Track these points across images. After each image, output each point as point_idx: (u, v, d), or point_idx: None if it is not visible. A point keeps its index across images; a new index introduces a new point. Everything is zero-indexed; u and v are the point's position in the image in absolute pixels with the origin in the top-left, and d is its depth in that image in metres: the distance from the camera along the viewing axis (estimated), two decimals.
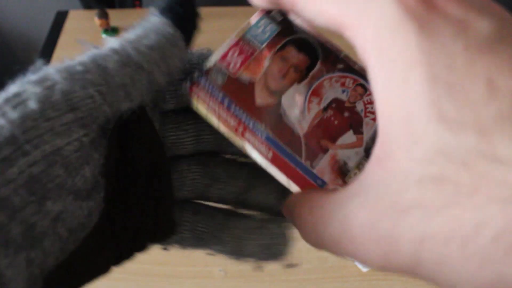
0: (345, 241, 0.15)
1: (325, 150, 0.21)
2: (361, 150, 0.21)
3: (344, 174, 0.21)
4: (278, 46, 0.22)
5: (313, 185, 0.20)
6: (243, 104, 0.21)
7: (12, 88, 0.15)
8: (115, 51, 0.17)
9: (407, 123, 0.13)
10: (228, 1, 1.19)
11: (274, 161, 0.21)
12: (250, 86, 0.21)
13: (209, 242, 0.23)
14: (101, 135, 0.17)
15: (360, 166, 0.21)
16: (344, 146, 0.21)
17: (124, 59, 0.17)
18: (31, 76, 0.15)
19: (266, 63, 0.21)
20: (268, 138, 0.21)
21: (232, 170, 0.24)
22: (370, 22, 0.14)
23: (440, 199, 0.12)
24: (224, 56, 0.22)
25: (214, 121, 0.21)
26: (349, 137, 0.21)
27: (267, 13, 0.22)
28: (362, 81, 0.22)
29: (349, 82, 0.22)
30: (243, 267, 0.70)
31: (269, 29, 0.22)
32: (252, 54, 0.21)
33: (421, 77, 0.13)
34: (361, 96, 0.22)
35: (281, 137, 0.21)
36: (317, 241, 0.17)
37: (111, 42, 0.17)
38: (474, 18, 0.13)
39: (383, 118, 0.14)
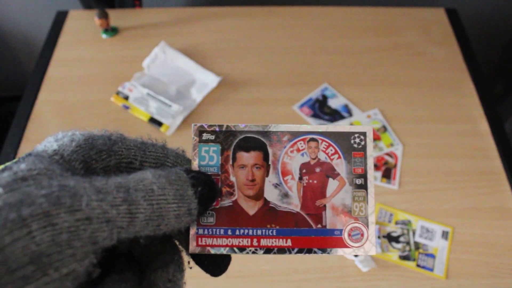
0: None
1: (324, 207, 0.24)
2: (347, 186, 0.24)
3: (349, 212, 0.24)
4: (231, 161, 0.24)
5: (336, 238, 0.24)
6: (242, 223, 0.24)
7: (38, 199, 0.16)
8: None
9: None
10: (228, 1, 1.19)
11: (296, 244, 0.24)
12: (236, 205, 0.24)
13: None
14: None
15: (355, 198, 0.24)
16: (334, 194, 0.24)
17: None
18: (63, 197, 0.17)
19: (232, 179, 0.24)
20: (279, 232, 0.24)
21: None
22: None
23: None
24: None
25: (231, 251, 0.23)
26: (332, 184, 0.24)
27: (201, 139, 0.24)
28: (308, 136, 0.24)
29: (301, 145, 0.24)
30: (243, 267, 0.70)
31: (213, 152, 0.24)
32: (218, 181, 0.24)
33: None
34: (317, 148, 0.24)
35: (287, 223, 0.24)
36: None
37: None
38: None
39: None
